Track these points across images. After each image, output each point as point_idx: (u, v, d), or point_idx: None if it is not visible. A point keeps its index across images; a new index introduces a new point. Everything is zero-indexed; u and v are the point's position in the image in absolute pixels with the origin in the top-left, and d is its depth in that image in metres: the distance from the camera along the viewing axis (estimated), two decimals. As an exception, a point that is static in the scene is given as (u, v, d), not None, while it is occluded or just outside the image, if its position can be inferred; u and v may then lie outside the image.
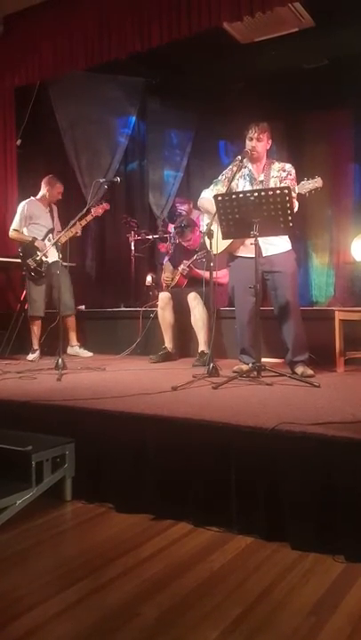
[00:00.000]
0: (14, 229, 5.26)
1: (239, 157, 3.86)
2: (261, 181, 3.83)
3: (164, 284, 5.23)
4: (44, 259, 5.02)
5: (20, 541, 2.16)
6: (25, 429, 2.74)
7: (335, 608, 1.63)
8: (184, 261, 4.89)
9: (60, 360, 4.05)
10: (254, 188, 3.77)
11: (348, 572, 1.85)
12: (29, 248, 5.08)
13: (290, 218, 3.35)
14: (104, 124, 7.14)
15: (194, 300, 4.67)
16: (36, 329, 5.24)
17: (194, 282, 4.94)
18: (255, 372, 3.48)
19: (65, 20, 5.50)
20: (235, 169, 3.89)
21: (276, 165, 3.86)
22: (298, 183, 3.70)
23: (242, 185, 3.88)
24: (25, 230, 5.24)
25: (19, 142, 6.27)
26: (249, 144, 3.82)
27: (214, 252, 3.85)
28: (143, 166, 7.76)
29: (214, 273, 3.80)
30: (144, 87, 7.38)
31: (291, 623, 1.57)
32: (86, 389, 3.29)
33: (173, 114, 7.78)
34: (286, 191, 3.32)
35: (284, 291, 3.76)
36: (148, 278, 6.45)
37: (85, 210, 4.58)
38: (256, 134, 3.81)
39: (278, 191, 3.33)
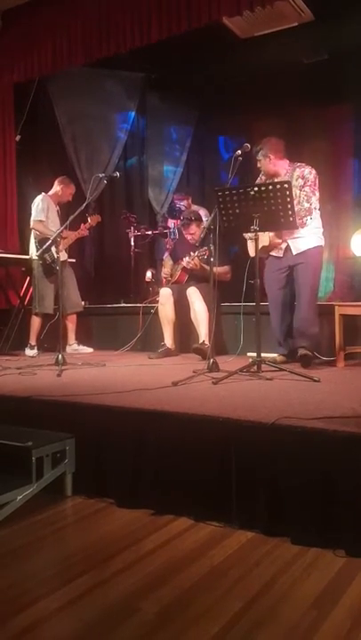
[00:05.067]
0: (40, 220, 5.15)
1: (263, 177, 4.12)
2: None
3: (164, 280, 5.23)
4: (55, 255, 4.98)
5: (20, 537, 2.16)
6: (25, 425, 2.74)
7: (336, 602, 1.64)
8: (190, 253, 4.84)
9: (60, 356, 4.05)
10: None
11: (349, 566, 1.85)
12: (45, 243, 4.98)
13: (290, 212, 3.35)
14: (103, 120, 7.12)
15: (193, 295, 4.66)
16: (36, 325, 5.23)
17: (194, 277, 4.93)
18: (255, 367, 3.48)
19: (64, 16, 5.48)
20: (263, 178, 4.09)
21: (297, 172, 3.93)
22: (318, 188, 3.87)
23: None
24: None
25: (18, 138, 6.25)
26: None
27: (252, 255, 4.00)
28: (143, 161, 7.74)
29: (216, 268, 3.81)
30: (143, 82, 7.36)
31: (292, 617, 1.57)
32: (86, 385, 3.29)
33: (173, 109, 7.77)
34: (286, 185, 3.32)
35: (303, 280, 3.94)
36: (148, 274, 6.44)
37: (85, 204, 4.57)
38: (256, 155, 4.01)
39: (278, 186, 3.33)
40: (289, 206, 3.33)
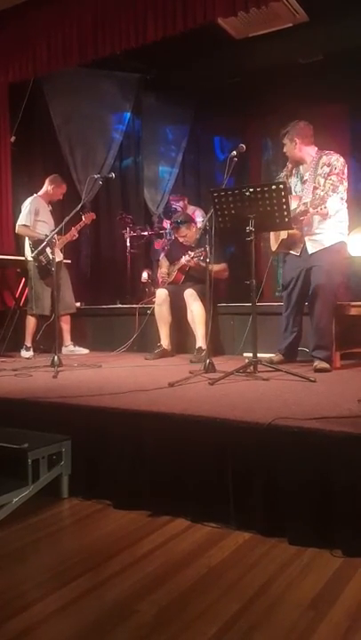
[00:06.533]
0: (24, 225, 5.17)
1: (289, 165, 4.02)
2: (306, 180, 3.84)
3: (161, 280, 5.22)
4: (51, 256, 4.95)
5: (17, 539, 2.15)
6: (21, 427, 2.73)
7: (333, 602, 1.63)
8: (188, 252, 4.83)
9: (55, 357, 4.04)
10: (303, 187, 3.84)
11: (346, 566, 1.85)
12: (40, 245, 4.97)
13: (285, 213, 3.35)
14: (99, 120, 7.12)
15: (190, 297, 4.66)
16: (32, 326, 5.22)
17: (190, 278, 4.92)
18: (252, 368, 3.48)
19: (59, 16, 5.47)
20: (290, 166, 4.00)
21: (323, 160, 3.79)
22: (345, 178, 3.73)
23: (293, 183, 3.93)
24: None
25: (13, 139, 6.24)
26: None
27: (273, 250, 4.05)
28: (138, 162, 7.73)
29: (213, 266, 3.82)
30: (139, 83, 7.36)
31: (289, 618, 1.57)
32: (82, 386, 3.28)
33: (168, 109, 7.77)
34: (281, 186, 3.32)
35: (314, 285, 3.79)
36: (144, 275, 6.44)
37: (80, 205, 4.56)
38: (282, 138, 3.96)
39: (274, 186, 3.33)
40: (284, 207, 3.32)
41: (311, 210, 3.63)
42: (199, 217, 6.14)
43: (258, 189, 3.34)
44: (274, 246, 4.06)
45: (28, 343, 5.23)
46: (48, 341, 5.02)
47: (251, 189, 3.34)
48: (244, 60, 6.50)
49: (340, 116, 7.13)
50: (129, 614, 1.61)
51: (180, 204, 6.62)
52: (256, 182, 6.52)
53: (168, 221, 6.77)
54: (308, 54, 6.50)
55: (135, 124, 7.63)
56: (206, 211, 6.04)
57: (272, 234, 4.05)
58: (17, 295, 5.78)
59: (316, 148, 3.91)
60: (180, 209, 6.50)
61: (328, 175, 3.70)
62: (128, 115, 7.41)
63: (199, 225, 5.25)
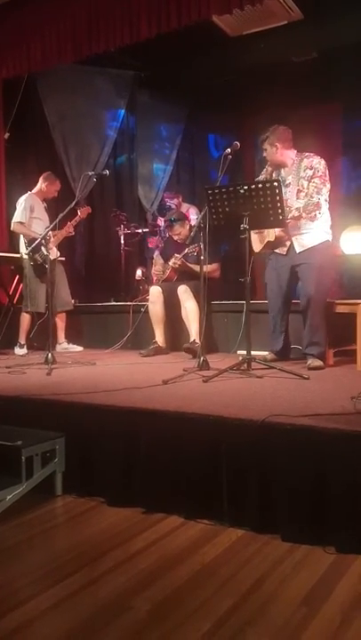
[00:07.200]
0: (20, 222, 5.13)
1: (269, 168, 3.99)
2: (289, 184, 3.83)
3: (155, 278, 5.22)
4: (46, 253, 4.93)
5: (10, 536, 2.15)
6: (15, 424, 2.73)
7: (326, 598, 1.64)
8: (175, 255, 4.87)
9: (49, 354, 4.03)
10: (286, 190, 3.82)
11: (339, 562, 1.86)
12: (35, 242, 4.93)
13: (279, 211, 3.36)
14: (93, 118, 7.09)
15: (184, 294, 4.66)
16: (26, 324, 5.21)
17: (184, 275, 4.93)
18: (245, 365, 3.49)
19: (53, 12, 5.45)
20: (269, 169, 3.98)
21: (304, 163, 3.79)
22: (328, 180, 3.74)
23: None
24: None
25: (7, 136, 6.22)
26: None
27: (256, 251, 3.99)
28: (132, 159, 7.72)
29: (205, 267, 3.81)
30: (133, 80, 7.34)
31: (282, 614, 1.57)
32: (76, 384, 3.28)
33: (163, 107, 7.76)
34: (276, 184, 3.33)
35: (306, 283, 3.79)
36: (139, 272, 6.43)
37: (74, 202, 4.55)
38: (262, 144, 3.91)
39: (268, 184, 3.34)
40: (278, 205, 3.33)
41: (305, 215, 3.65)
42: (193, 214, 6.14)
43: (252, 187, 3.34)
44: (257, 247, 4.03)
45: (22, 340, 5.22)
46: (42, 339, 5.00)
47: (245, 187, 3.35)
48: (239, 57, 6.49)
49: (333, 115, 7.14)
50: (123, 611, 1.61)
51: (175, 201, 6.62)
52: (250, 180, 6.49)
53: (162, 219, 6.77)
54: (302, 52, 6.50)
55: (129, 121, 7.61)
56: (200, 208, 6.03)
57: (254, 234, 4.04)
58: (11, 292, 5.76)
59: (296, 151, 3.92)
60: (174, 206, 6.50)
61: (311, 178, 3.73)
62: (122, 112, 7.38)
63: (193, 222, 5.26)
